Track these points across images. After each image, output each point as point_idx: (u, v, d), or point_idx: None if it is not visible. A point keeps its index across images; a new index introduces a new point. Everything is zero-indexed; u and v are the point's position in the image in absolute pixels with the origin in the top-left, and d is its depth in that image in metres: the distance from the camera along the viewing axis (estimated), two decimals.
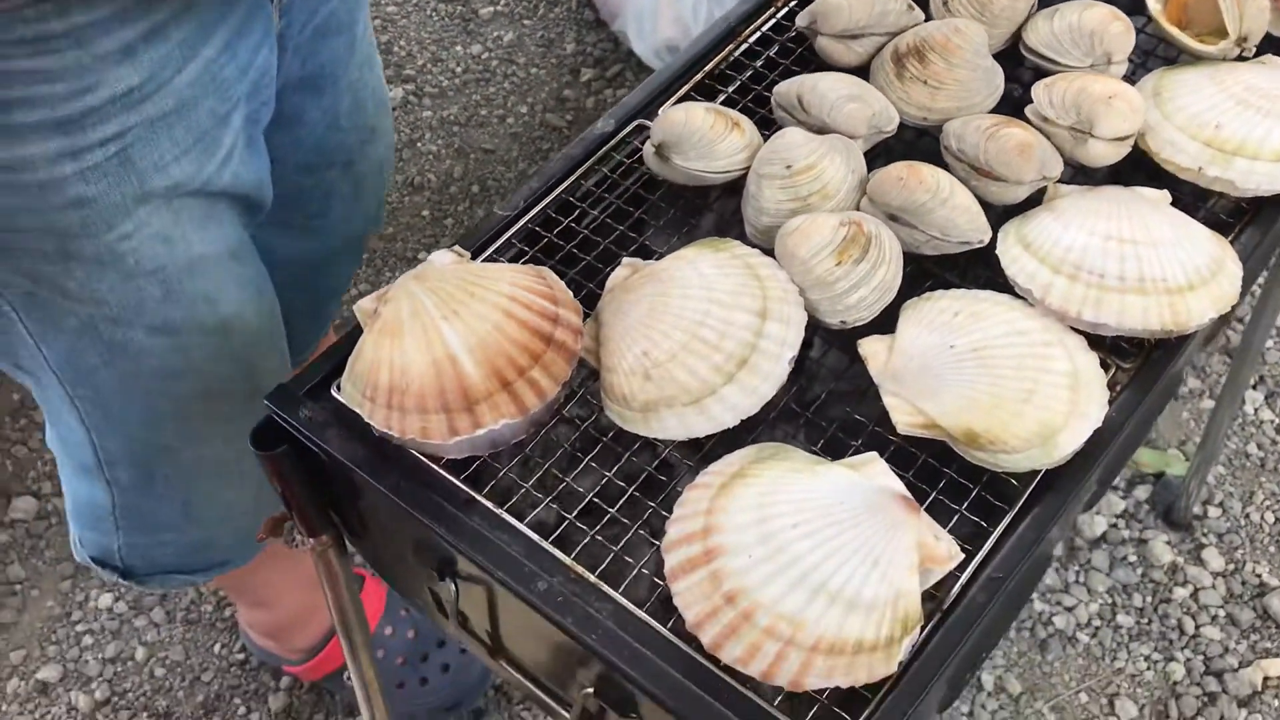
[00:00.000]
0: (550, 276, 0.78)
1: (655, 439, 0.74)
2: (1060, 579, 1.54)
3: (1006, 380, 0.73)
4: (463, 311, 0.73)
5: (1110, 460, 0.75)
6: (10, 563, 1.60)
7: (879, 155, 0.88)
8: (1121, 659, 1.48)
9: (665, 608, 0.68)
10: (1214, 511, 1.59)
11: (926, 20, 0.92)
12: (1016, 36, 0.92)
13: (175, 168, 0.84)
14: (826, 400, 0.78)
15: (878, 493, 0.68)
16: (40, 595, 1.57)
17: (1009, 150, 0.81)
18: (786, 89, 0.87)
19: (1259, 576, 1.54)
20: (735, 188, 0.86)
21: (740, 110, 0.89)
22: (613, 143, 0.90)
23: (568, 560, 0.70)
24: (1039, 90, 0.86)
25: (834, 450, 0.74)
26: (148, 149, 0.82)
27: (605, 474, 0.75)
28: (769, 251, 0.79)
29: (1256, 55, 0.91)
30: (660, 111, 0.87)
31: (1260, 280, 1.28)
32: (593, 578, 0.69)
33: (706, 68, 0.95)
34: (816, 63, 0.94)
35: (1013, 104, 0.89)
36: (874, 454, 0.71)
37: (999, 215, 0.82)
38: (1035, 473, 0.72)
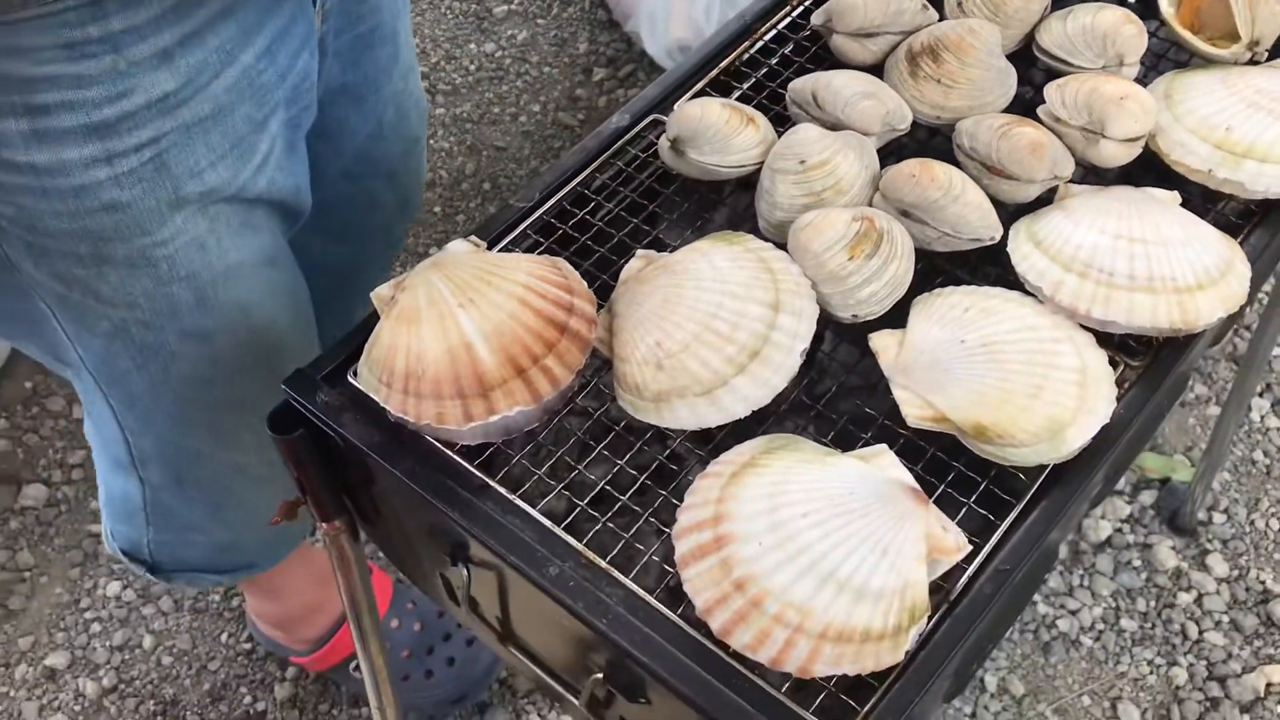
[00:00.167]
0: (565, 267, 0.78)
1: (666, 429, 0.75)
2: (1064, 582, 1.55)
3: (1016, 375, 0.73)
4: (479, 300, 0.73)
5: (1117, 457, 0.76)
6: (20, 549, 1.61)
7: (891, 153, 0.89)
8: (1125, 663, 1.49)
9: (674, 595, 0.69)
10: (1219, 518, 1.60)
11: (941, 20, 0.93)
12: (1029, 37, 0.93)
13: (210, 173, 0.84)
14: (837, 393, 0.79)
15: (887, 484, 0.68)
16: (49, 582, 1.58)
17: (1021, 149, 0.81)
18: (801, 85, 0.88)
19: (1263, 583, 1.54)
20: (749, 183, 0.87)
21: (755, 106, 0.90)
22: (628, 137, 0.91)
23: (579, 546, 0.71)
24: (1051, 90, 0.86)
25: (844, 442, 0.75)
26: (183, 154, 0.82)
27: (617, 462, 0.76)
28: (782, 246, 0.80)
29: (1269, 60, 0.91)
30: (676, 106, 0.88)
31: (1268, 288, 1.28)
32: (604, 563, 0.70)
33: (722, 64, 0.95)
34: (831, 60, 0.95)
35: (1024, 105, 0.90)
36: (884, 446, 0.72)
37: (1010, 214, 0.83)
38: (1043, 467, 0.73)
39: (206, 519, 1.11)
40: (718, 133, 0.84)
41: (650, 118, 0.92)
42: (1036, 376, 0.73)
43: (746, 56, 0.97)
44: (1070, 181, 0.84)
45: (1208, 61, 0.91)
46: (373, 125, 1.09)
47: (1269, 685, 1.46)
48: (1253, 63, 0.91)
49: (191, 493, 1.07)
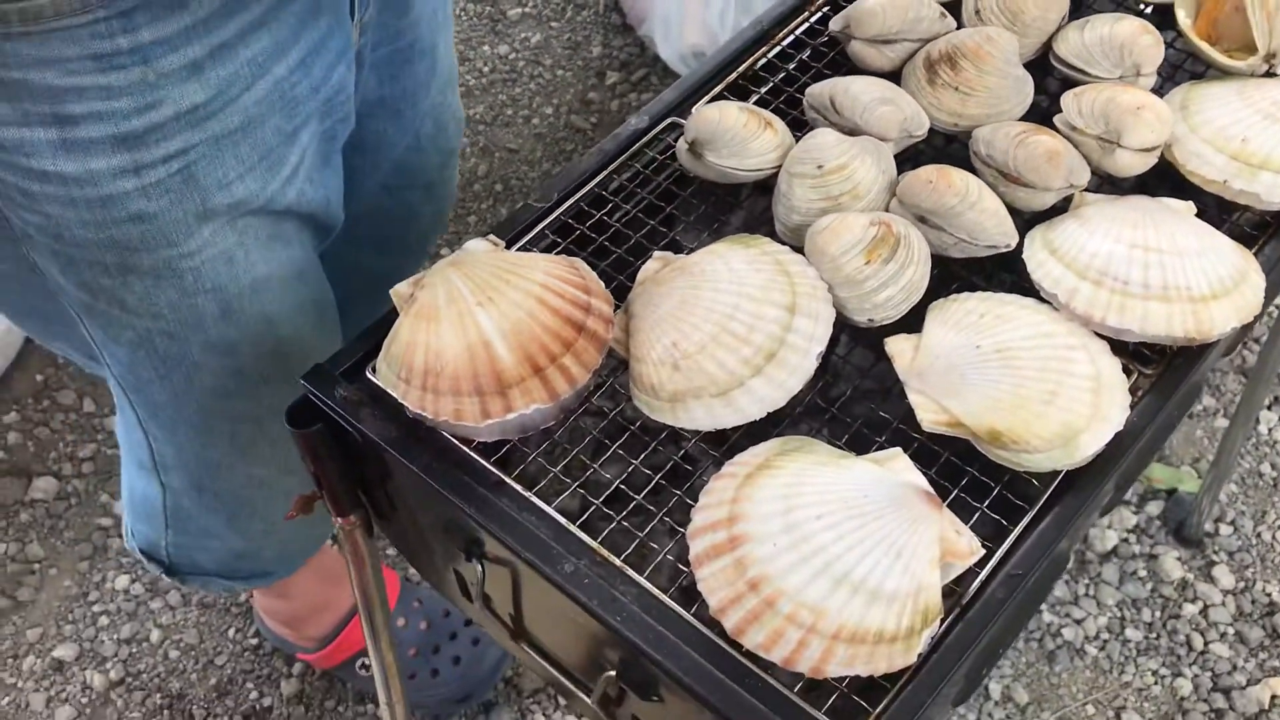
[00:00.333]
0: (583, 267, 0.79)
1: (681, 429, 0.75)
2: (1070, 591, 1.55)
3: (1030, 381, 0.74)
4: (497, 298, 0.74)
5: (1129, 465, 0.76)
6: (30, 542, 1.61)
7: (908, 159, 0.89)
8: (1129, 673, 1.49)
9: (687, 595, 0.69)
10: (1225, 529, 1.60)
11: (959, 28, 0.94)
12: (1046, 46, 0.94)
13: (239, 185, 0.84)
14: (851, 397, 0.80)
15: (901, 487, 0.69)
16: (58, 575, 1.59)
17: (1038, 157, 0.82)
18: (819, 91, 0.89)
19: (1269, 595, 1.54)
20: (765, 186, 0.87)
21: (772, 111, 0.90)
22: (646, 139, 0.91)
23: (594, 544, 0.71)
24: (1068, 99, 0.87)
25: (858, 446, 0.75)
26: (211, 166, 0.81)
27: (631, 462, 0.76)
28: (798, 250, 0.80)
29: None
30: (694, 109, 0.89)
31: (1279, 301, 1.29)
32: (618, 561, 0.70)
33: (740, 68, 0.96)
34: (848, 66, 0.95)
35: (1040, 114, 0.90)
36: (898, 449, 0.72)
37: (1025, 221, 0.83)
38: (1056, 473, 0.73)
39: (224, 527, 1.12)
40: (736, 136, 0.85)
41: (668, 120, 0.92)
42: (1051, 383, 0.74)
43: (764, 61, 0.97)
44: (1086, 190, 0.85)
45: (1224, 73, 0.92)
46: (411, 138, 1.09)
47: (1274, 698, 1.46)
48: (1269, 74, 0.91)
49: (210, 501, 1.08)
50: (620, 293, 0.81)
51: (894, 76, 0.92)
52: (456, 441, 0.75)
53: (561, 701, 1.47)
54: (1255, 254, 0.83)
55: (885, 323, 0.78)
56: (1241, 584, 1.56)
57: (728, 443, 0.76)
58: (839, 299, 0.77)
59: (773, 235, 0.83)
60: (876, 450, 0.74)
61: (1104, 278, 0.78)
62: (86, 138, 0.76)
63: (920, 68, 0.91)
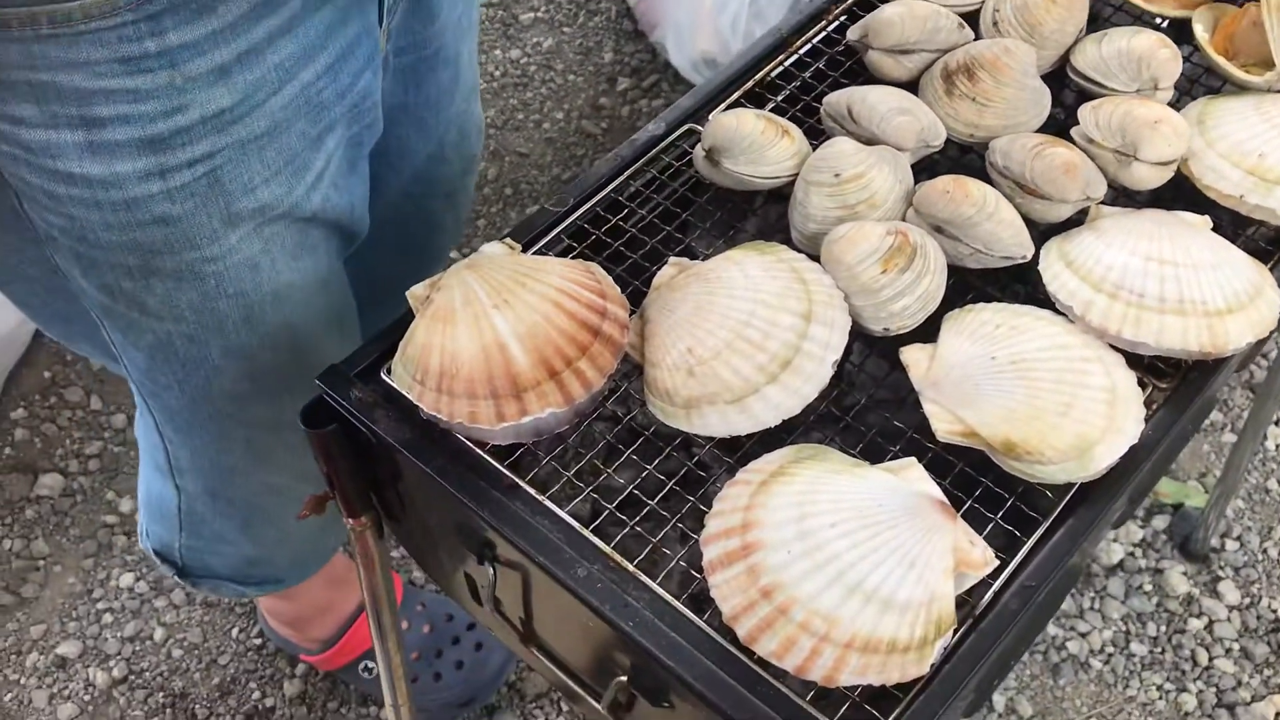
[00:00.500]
0: (598, 271, 0.79)
1: (695, 435, 0.75)
2: (1075, 604, 1.55)
3: (1045, 393, 0.74)
4: (513, 301, 0.74)
5: (1142, 479, 0.76)
6: (35, 538, 1.61)
7: (924, 169, 0.89)
8: (1134, 687, 1.49)
9: (699, 601, 0.69)
10: (1231, 545, 1.60)
11: (976, 39, 0.94)
12: (1064, 59, 0.94)
13: (264, 190, 0.83)
14: (866, 406, 0.80)
15: (915, 497, 0.69)
16: (63, 571, 1.59)
17: (1055, 169, 0.82)
18: (837, 99, 0.89)
19: (1274, 611, 1.54)
20: (781, 194, 0.87)
21: (789, 119, 0.90)
22: (663, 145, 0.91)
23: (607, 549, 0.71)
24: (1085, 112, 0.87)
25: (872, 455, 0.75)
26: (237, 171, 0.81)
27: (645, 467, 0.76)
28: (814, 258, 0.80)
29: None
30: (711, 116, 0.89)
31: None
32: (631, 567, 0.70)
33: (757, 76, 0.96)
34: (865, 76, 0.95)
35: (1056, 126, 0.90)
36: (912, 459, 0.72)
37: (1040, 233, 0.83)
38: (1070, 485, 0.73)
39: (237, 533, 1.12)
40: (753, 143, 0.85)
41: (685, 127, 0.92)
42: (1066, 395, 0.74)
43: (781, 69, 0.98)
44: (1102, 203, 0.85)
45: (1241, 88, 0.92)
46: (434, 146, 1.09)
47: (1278, 714, 1.46)
48: None
49: (224, 507, 1.08)
50: (635, 298, 0.81)
51: (911, 86, 0.92)
52: (470, 444, 0.75)
53: (564, 707, 1.47)
54: (1270, 269, 0.83)
55: (901, 332, 0.78)
56: (1247, 600, 1.55)
57: (741, 450, 0.76)
58: (854, 308, 0.77)
59: (788, 243, 0.84)
60: (890, 460, 0.74)
61: (1120, 290, 0.78)
62: (113, 140, 0.76)
63: (938, 78, 0.91)
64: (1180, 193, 0.87)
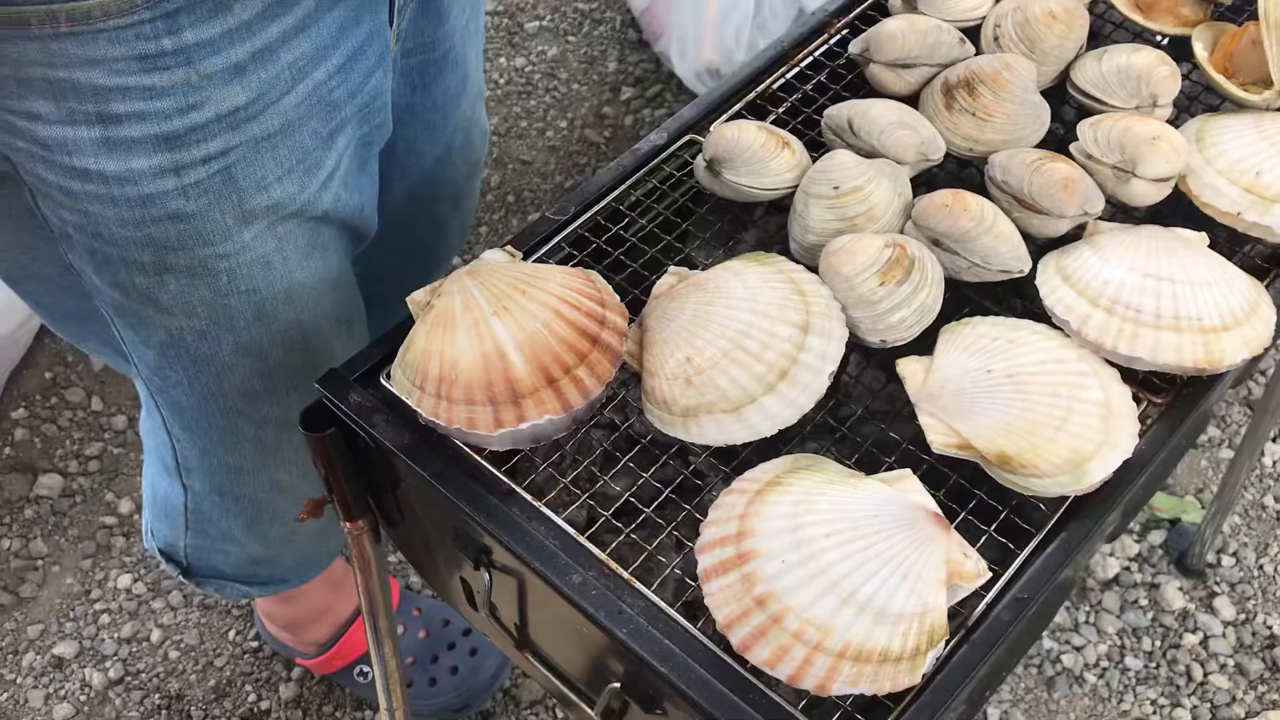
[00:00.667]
0: (598, 280, 0.80)
1: (693, 444, 0.76)
2: (1070, 618, 1.55)
3: (1040, 407, 0.74)
4: (513, 308, 0.75)
5: (1135, 493, 0.77)
6: (34, 538, 1.62)
7: (923, 183, 0.90)
8: (1128, 701, 1.49)
9: (693, 609, 0.70)
10: (1227, 561, 1.60)
11: (977, 54, 0.94)
12: (1064, 75, 0.94)
13: (277, 187, 0.84)
14: (862, 417, 0.80)
15: (910, 508, 0.69)
16: (61, 572, 1.59)
17: (1053, 184, 0.82)
18: (837, 112, 0.89)
19: (1270, 628, 1.54)
20: (780, 206, 0.88)
21: (790, 131, 0.91)
22: (664, 155, 0.92)
23: (602, 556, 0.71)
24: (1085, 128, 0.87)
25: (867, 466, 0.76)
26: (250, 168, 0.82)
27: (641, 475, 0.77)
28: (813, 269, 0.81)
29: None
30: (713, 127, 0.89)
31: None
32: (626, 574, 0.71)
33: (759, 88, 0.97)
34: (866, 89, 0.96)
35: (1056, 141, 0.91)
36: (907, 470, 0.72)
37: (1038, 247, 0.84)
38: (1063, 499, 0.74)
39: (243, 532, 1.12)
40: (754, 155, 0.86)
41: (687, 137, 0.93)
42: (1061, 408, 0.74)
43: (783, 82, 0.98)
44: (1100, 219, 0.85)
45: (1240, 106, 0.92)
46: (441, 149, 1.10)
47: None
48: None
49: (231, 505, 1.09)
50: (635, 307, 0.81)
51: (912, 100, 0.93)
52: (468, 450, 0.75)
53: (558, 713, 1.47)
54: (1267, 286, 0.83)
55: (897, 344, 0.79)
56: (1242, 616, 1.55)
57: (737, 459, 0.76)
58: (852, 319, 0.78)
59: (787, 254, 0.84)
60: (886, 471, 0.74)
61: (1116, 306, 0.78)
62: (129, 137, 0.77)
63: (938, 92, 0.91)
64: (1178, 209, 0.88)
